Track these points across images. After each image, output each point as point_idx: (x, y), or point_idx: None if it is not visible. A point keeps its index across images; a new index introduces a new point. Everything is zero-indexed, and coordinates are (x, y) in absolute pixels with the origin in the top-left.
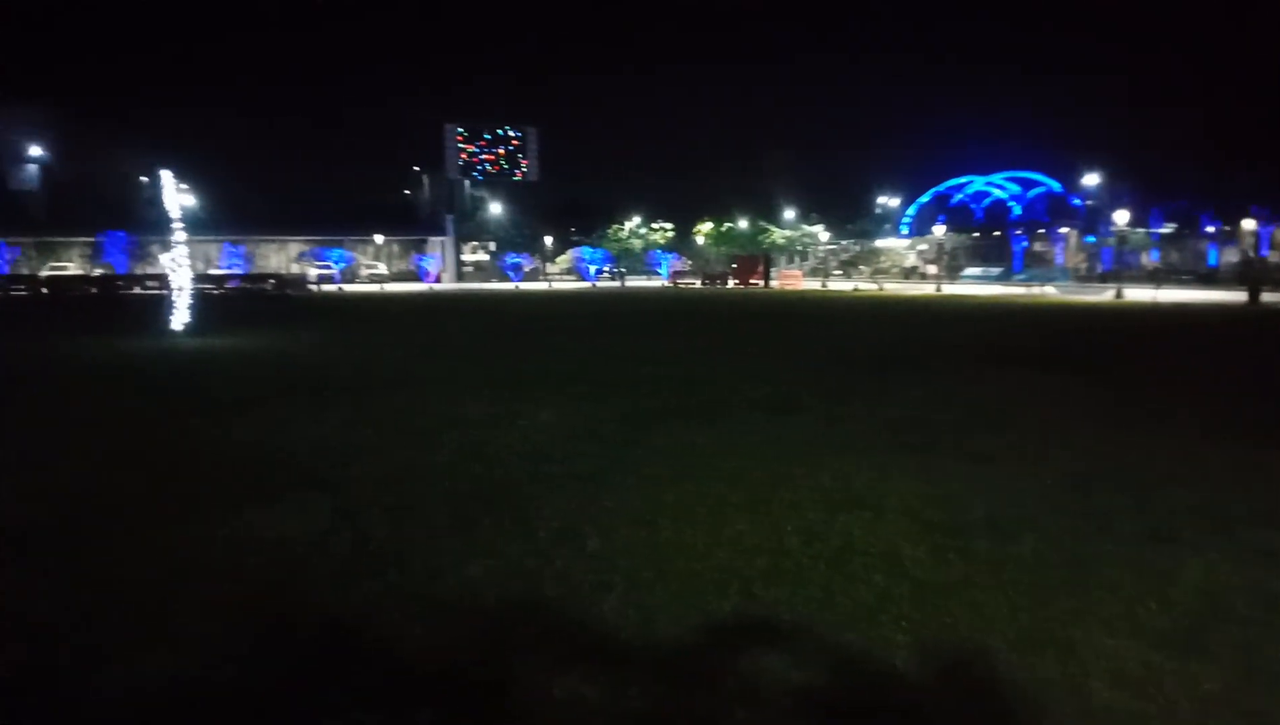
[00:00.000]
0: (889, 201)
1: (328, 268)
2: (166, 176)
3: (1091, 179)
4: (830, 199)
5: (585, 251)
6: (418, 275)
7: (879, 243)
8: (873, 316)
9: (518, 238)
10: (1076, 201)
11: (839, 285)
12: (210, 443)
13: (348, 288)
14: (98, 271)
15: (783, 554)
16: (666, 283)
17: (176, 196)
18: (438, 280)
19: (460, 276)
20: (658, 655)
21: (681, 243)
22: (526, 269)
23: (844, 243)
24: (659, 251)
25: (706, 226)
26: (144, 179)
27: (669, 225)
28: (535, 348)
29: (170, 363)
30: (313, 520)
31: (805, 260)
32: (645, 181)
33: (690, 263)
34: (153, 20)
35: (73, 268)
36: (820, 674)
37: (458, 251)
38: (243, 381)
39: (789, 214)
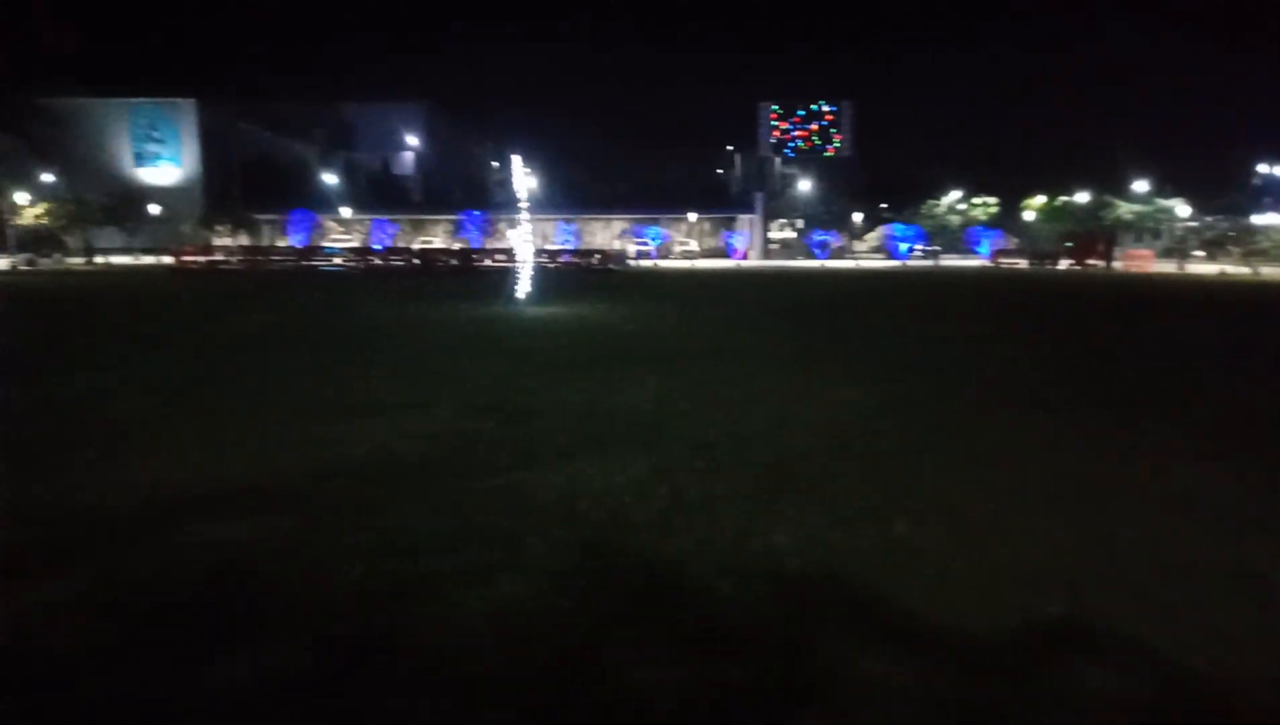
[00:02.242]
0: (1271, 170)
1: (645, 244)
2: (516, 161)
3: None
4: (1191, 169)
5: (896, 228)
6: (725, 252)
7: (1255, 219)
8: (1243, 307)
9: (825, 215)
10: None
11: (1200, 268)
12: (544, 400)
13: (662, 263)
14: (457, 246)
15: (1115, 560)
16: (987, 262)
17: (523, 179)
18: (745, 257)
19: (766, 253)
20: (970, 650)
21: (1005, 219)
22: (833, 246)
23: (1208, 219)
24: (979, 229)
25: (1037, 201)
26: (496, 164)
27: (992, 200)
28: (838, 327)
29: (514, 329)
30: (634, 475)
31: (1158, 239)
32: (965, 155)
33: (1015, 241)
34: (504, 29)
35: (438, 242)
36: (1157, 698)
37: (765, 229)
38: (573, 348)
39: (1138, 186)
